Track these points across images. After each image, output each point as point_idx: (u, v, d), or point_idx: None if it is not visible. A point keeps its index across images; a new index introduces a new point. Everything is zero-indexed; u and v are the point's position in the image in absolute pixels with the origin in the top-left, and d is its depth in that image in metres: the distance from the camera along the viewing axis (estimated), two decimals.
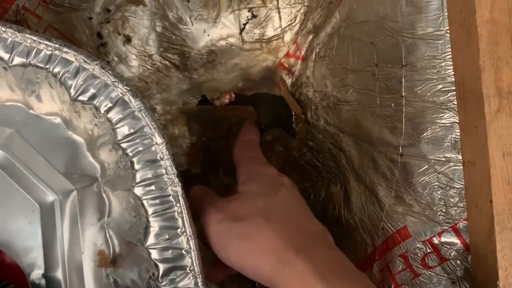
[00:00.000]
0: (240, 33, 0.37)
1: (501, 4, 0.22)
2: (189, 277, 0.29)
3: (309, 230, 0.29)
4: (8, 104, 0.32)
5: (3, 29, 0.26)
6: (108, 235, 0.34)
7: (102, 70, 0.26)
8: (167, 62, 0.38)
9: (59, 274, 0.33)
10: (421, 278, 0.28)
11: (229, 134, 0.42)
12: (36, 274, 0.33)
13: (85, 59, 0.26)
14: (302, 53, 0.38)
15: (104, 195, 0.33)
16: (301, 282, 0.25)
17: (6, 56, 0.26)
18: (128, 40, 0.36)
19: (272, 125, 0.38)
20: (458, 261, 0.27)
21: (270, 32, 0.38)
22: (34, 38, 0.26)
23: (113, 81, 0.27)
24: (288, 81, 0.39)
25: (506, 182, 0.23)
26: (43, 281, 0.33)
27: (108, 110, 0.27)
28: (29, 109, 0.32)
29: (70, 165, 0.33)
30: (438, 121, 0.28)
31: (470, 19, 0.22)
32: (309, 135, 0.39)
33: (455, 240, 0.27)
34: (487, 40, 0.22)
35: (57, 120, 0.33)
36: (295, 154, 0.40)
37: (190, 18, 0.36)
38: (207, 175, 0.42)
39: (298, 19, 0.37)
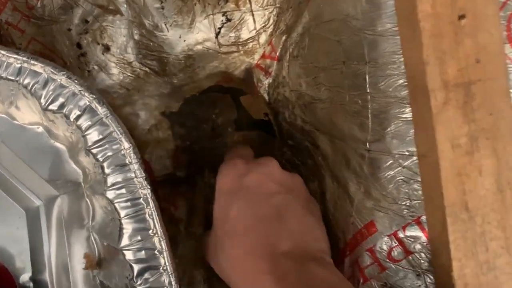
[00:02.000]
0: (216, 37, 0.38)
1: None
2: (163, 277, 0.30)
3: (255, 249, 0.29)
4: None
5: None
6: (92, 238, 0.35)
7: (69, 80, 0.28)
8: (146, 69, 0.39)
9: (46, 277, 0.34)
10: (387, 272, 0.28)
11: (213, 135, 0.43)
12: (25, 277, 0.34)
13: (52, 70, 0.28)
14: (277, 54, 0.39)
15: (87, 200, 0.35)
16: None
17: None
18: (107, 49, 0.38)
19: (250, 123, 0.39)
20: (423, 254, 0.27)
21: (245, 35, 0.38)
22: (3, 52, 0.27)
23: (79, 90, 0.28)
24: (266, 81, 0.40)
25: (456, 173, 0.23)
26: (31, 284, 0.34)
27: (77, 117, 0.29)
28: (13, 119, 0.34)
29: (54, 172, 0.35)
30: (401, 115, 0.28)
31: (414, 13, 0.23)
32: (289, 134, 0.40)
33: (419, 233, 0.27)
34: (430, 34, 0.22)
35: (40, 129, 0.34)
36: (276, 153, 0.40)
37: (165, 24, 0.37)
38: (193, 177, 0.43)
39: (271, 20, 0.38)
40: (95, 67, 0.38)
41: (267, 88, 0.40)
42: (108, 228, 0.33)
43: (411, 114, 0.27)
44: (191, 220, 0.42)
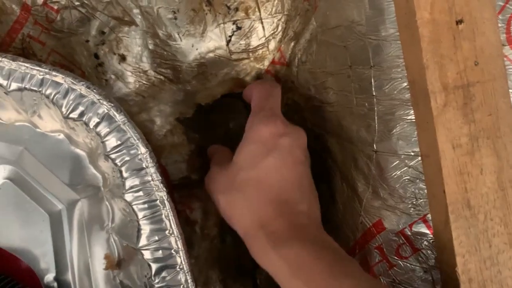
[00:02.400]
0: (227, 45, 0.40)
1: (441, 5, 0.23)
2: (180, 275, 0.31)
3: (278, 200, 0.32)
4: (17, 124, 0.36)
5: (0, 58, 0.29)
6: (112, 240, 0.36)
7: (88, 90, 0.29)
8: (161, 77, 0.40)
9: (69, 277, 0.36)
10: (396, 269, 0.29)
11: (226, 139, 0.44)
12: (49, 278, 0.36)
13: (72, 80, 0.29)
14: (286, 59, 0.40)
15: (107, 203, 0.36)
16: (260, 250, 0.31)
17: (4, 83, 0.30)
18: (123, 58, 0.39)
19: None
20: (429, 251, 0.28)
21: (255, 42, 0.40)
22: (26, 65, 0.29)
23: (98, 99, 0.29)
24: None
25: (457, 172, 0.24)
26: (55, 284, 0.36)
27: (97, 125, 0.30)
28: (35, 127, 0.36)
29: (75, 177, 0.36)
30: (405, 117, 0.29)
31: (412, 20, 0.24)
32: None
33: (425, 230, 0.28)
34: (429, 40, 0.23)
35: (61, 136, 0.36)
36: None
37: (178, 34, 0.39)
38: None
39: (280, 28, 0.39)
40: (112, 76, 0.39)
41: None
42: (127, 229, 0.35)
43: None
44: (206, 222, 0.43)
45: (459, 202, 0.24)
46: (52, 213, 0.36)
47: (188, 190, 0.43)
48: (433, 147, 0.24)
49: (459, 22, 0.23)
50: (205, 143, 0.44)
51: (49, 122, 0.35)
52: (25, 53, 0.39)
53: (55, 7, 0.38)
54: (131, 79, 0.40)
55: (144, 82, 0.40)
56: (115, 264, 0.37)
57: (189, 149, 0.43)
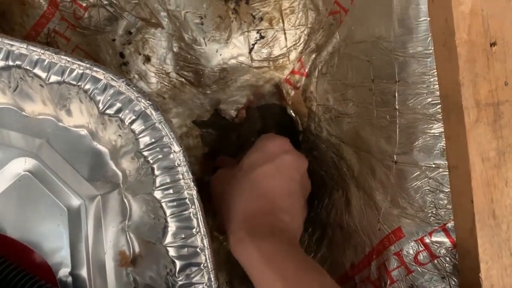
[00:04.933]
0: (250, 53, 0.41)
1: (477, 28, 0.25)
2: (203, 273, 0.32)
3: (265, 202, 0.35)
4: (40, 117, 0.36)
5: (42, 51, 0.29)
6: (128, 237, 0.37)
7: (127, 87, 0.30)
8: (182, 79, 0.41)
9: (84, 272, 0.36)
10: (414, 274, 0.31)
11: (238, 144, 0.45)
12: (64, 272, 0.36)
13: (112, 77, 0.30)
14: (306, 70, 0.41)
15: (125, 200, 0.37)
16: (238, 241, 0.34)
17: (43, 75, 0.30)
18: (147, 59, 0.40)
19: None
20: (447, 258, 0.30)
21: (276, 52, 0.41)
22: (68, 59, 0.29)
23: (136, 96, 0.30)
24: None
25: (485, 184, 0.25)
26: (69, 279, 0.36)
27: (132, 122, 0.31)
28: (59, 121, 0.36)
29: (95, 172, 0.36)
30: (428, 131, 0.31)
31: (451, 40, 0.25)
32: (314, 146, 0.42)
33: (444, 239, 0.30)
34: (465, 59, 0.25)
35: (84, 132, 0.36)
36: None
37: (203, 39, 0.40)
38: None
39: (302, 39, 0.40)
40: (136, 76, 0.40)
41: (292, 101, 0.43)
42: (147, 226, 0.35)
43: (440, 129, 0.30)
44: (216, 224, 0.44)
45: (485, 211, 0.25)
46: (70, 207, 0.36)
47: (200, 192, 0.44)
48: (463, 159, 0.26)
49: (492, 44, 0.25)
50: (218, 147, 0.45)
51: (75, 117, 0.35)
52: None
53: (84, 5, 0.38)
54: (153, 79, 0.41)
55: (166, 83, 0.41)
56: (129, 261, 0.37)
57: (202, 151, 0.44)
